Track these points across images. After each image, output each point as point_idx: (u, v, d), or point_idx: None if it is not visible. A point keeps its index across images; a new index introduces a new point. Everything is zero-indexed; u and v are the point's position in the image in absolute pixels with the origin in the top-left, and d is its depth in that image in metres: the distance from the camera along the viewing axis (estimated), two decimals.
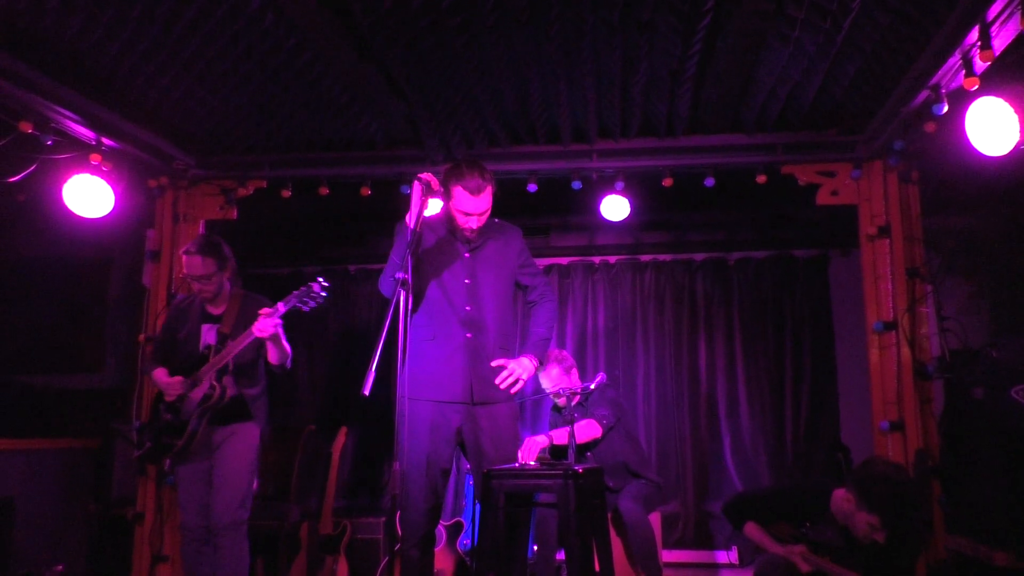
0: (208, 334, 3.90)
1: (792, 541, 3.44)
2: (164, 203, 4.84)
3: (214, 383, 3.74)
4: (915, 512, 3.28)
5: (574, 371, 4.85)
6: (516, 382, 3.28)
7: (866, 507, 3.17)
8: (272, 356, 3.80)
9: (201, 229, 4.82)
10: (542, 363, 3.46)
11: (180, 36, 3.49)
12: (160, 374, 3.83)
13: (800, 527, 3.47)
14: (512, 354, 3.40)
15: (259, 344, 3.78)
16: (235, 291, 3.97)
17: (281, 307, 3.60)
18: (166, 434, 3.79)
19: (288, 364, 3.90)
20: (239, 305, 3.94)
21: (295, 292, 3.58)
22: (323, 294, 3.54)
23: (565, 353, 4.92)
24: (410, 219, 3.09)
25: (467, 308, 3.30)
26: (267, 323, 3.58)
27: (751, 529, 3.61)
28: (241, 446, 3.83)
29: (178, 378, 3.78)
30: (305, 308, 3.60)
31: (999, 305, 5.29)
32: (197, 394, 3.74)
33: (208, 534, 3.78)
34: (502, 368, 3.28)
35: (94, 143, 4.18)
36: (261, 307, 3.79)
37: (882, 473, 3.22)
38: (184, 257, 3.79)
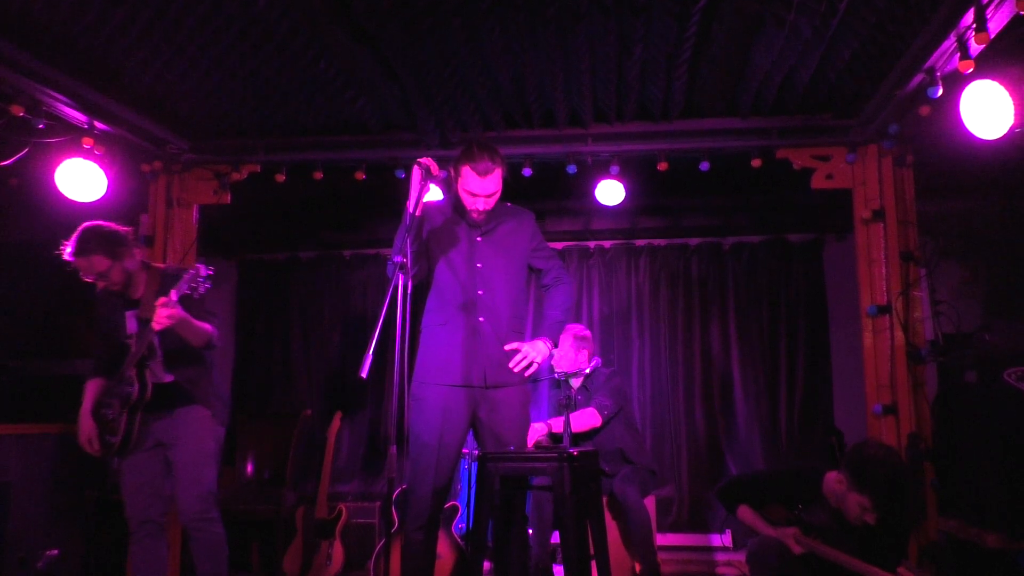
0: (131, 322, 3.58)
1: (785, 524, 3.47)
2: (157, 187, 4.82)
3: (133, 379, 3.44)
4: (906, 495, 3.30)
5: (585, 351, 4.83)
6: (530, 365, 3.27)
7: (857, 489, 3.19)
8: (192, 341, 3.46)
9: (195, 214, 4.80)
10: (557, 346, 3.45)
11: (173, 19, 3.47)
12: (86, 397, 3.57)
13: (793, 510, 3.49)
14: (524, 337, 3.39)
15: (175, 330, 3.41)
16: (150, 268, 3.62)
17: (174, 295, 3.28)
18: (107, 432, 3.52)
19: (214, 343, 3.57)
20: (157, 285, 3.54)
21: (185, 276, 3.31)
22: (207, 280, 3.31)
23: (587, 333, 4.92)
24: (410, 204, 3.08)
25: (479, 292, 3.29)
26: (162, 315, 3.25)
27: (744, 512, 3.63)
28: (193, 433, 3.56)
29: (84, 422, 3.54)
30: (195, 295, 3.33)
31: (993, 289, 5.31)
32: (124, 392, 3.47)
33: (157, 528, 3.61)
34: (515, 352, 3.27)
35: (86, 127, 4.16)
36: (175, 283, 3.41)
37: (874, 456, 3.24)
38: (76, 260, 3.41)
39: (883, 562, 3.16)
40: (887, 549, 3.28)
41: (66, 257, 3.45)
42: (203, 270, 3.31)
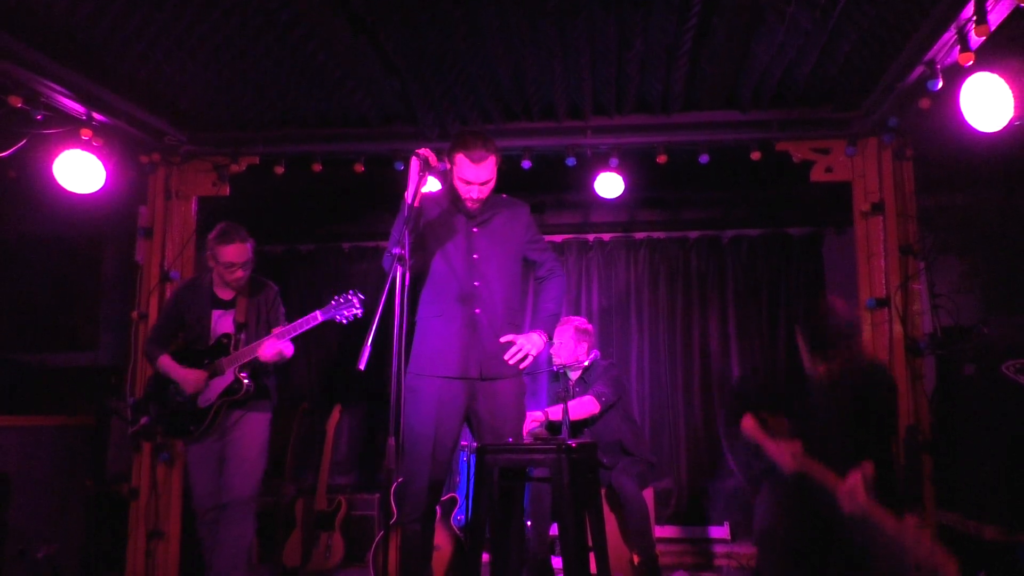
0: (222, 321, 3.89)
1: (787, 437, 3.39)
2: (156, 179, 4.81)
3: (240, 377, 3.78)
4: (843, 341, 3.24)
5: (585, 344, 4.84)
6: (525, 357, 3.27)
7: (806, 344, 3.23)
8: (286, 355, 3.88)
9: (193, 206, 4.79)
10: (551, 338, 3.46)
11: (173, 10, 3.46)
12: (172, 365, 3.84)
13: (792, 414, 3.42)
14: (520, 329, 3.39)
15: None
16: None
17: (320, 316, 3.68)
18: (181, 417, 3.81)
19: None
20: (248, 291, 3.93)
21: (332, 303, 3.65)
22: (360, 310, 3.62)
23: (589, 326, 4.93)
24: (408, 195, 3.08)
25: (475, 283, 3.29)
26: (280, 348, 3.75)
27: (748, 422, 3.55)
28: (256, 428, 3.88)
29: (196, 372, 3.79)
30: (343, 321, 3.64)
31: (992, 283, 5.31)
32: (219, 384, 3.78)
33: (217, 513, 3.81)
34: (510, 344, 3.28)
35: (85, 118, 4.15)
36: (268, 292, 3.94)
37: (817, 310, 3.28)
38: (230, 247, 3.73)
39: (867, 448, 3.08)
40: (842, 408, 3.20)
41: (220, 239, 3.74)
42: (356, 300, 3.62)
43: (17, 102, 3.77)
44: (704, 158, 4.60)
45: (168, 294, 4.50)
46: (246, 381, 3.78)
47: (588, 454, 3.32)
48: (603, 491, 4.52)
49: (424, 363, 3.25)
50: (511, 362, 3.24)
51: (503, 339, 3.27)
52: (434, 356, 3.25)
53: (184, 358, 3.86)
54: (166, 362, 3.85)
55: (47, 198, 4.62)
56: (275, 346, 3.72)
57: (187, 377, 3.79)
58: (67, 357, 5.83)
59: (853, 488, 2.93)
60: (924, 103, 3.76)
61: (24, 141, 4.08)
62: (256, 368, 3.84)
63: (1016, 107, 3.24)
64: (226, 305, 3.91)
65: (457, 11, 3.52)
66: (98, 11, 3.43)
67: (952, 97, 3.46)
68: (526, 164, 4.70)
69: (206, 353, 3.83)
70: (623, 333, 6.08)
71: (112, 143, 4.40)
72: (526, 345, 3.26)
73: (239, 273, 3.81)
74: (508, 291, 3.36)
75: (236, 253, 3.75)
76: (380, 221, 6.14)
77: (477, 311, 3.27)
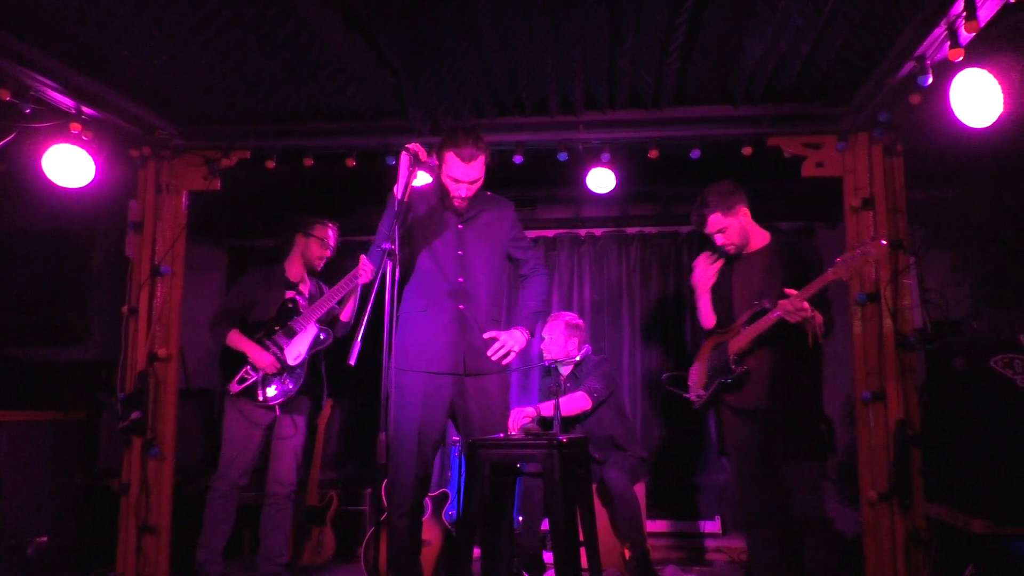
0: (298, 301, 4.38)
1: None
2: (147, 173, 4.78)
3: (324, 328, 4.23)
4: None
5: (575, 339, 4.86)
6: (507, 354, 3.29)
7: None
8: (348, 311, 4.26)
9: (184, 200, 4.77)
10: (533, 335, 3.49)
11: (164, 3, 3.44)
12: (243, 340, 4.21)
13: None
14: (501, 326, 3.41)
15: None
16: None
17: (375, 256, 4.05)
18: (278, 377, 4.16)
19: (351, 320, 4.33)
20: (307, 271, 4.50)
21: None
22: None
23: (580, 321, 4.95)
24: (398, 190, 3.08)
25: (459, 279, 3.30)
26: (366, 269, 3.73)
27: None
28: (305, 420, 4.31)
29: (266, 355, 4.15)
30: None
31: (983, 277, 5.33)
32: (304, 340, 4.20)
33: (238, 495, 4.13)
34: (493, 340, 3.29)
35: (74, 112, 4.12)
36: (318, 280, 4.51)
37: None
38: (334, 232, 4.52)
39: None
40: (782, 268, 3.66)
41: (327, 228, 4.53)
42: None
43: (5, 95, 3.73)
44: (695, 153, 4.61)
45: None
46: (329, 331, 4.23)
47: (579, 449, 3.33)
48: (594, 486, 4.54)
49: (409, 358, 3.26)
50: (494, 358, 3.27)
51: (486, 335, 3.29)
52: (420, 351, 3.26)
53: (252, 329, 4.25)
54: (236, 337, 4.23)
55: (37, 193, 4.60)
56: (368, 264, 3.81)
57: (260, 355, 4.15)
58: (57, 351, 5.81)
59: (792, 298, 3.36)
60: (914, 99, 3.76)
61: (13, 135, 4.06)
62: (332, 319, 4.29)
63: (1005, 103, 3.25)
64: (295, 286, 4.42)
65: (452, 5, 3.51)
66: (88, 2, 3.41)
67: (942, 93, 3.46)
68: (518, 159, 4.69)
69: (275, 321, 4.25)
70: (615, 328, 6.09)
71: (102, 137, 4.37)
72: (509, 341, 3.29)
73: (328, 253, 4.48)
74: (492, 288, 3.39)
75: (334, 237, 4.51)
76: (371, 216, 6.11)
77: (462, 307, 3.29)
